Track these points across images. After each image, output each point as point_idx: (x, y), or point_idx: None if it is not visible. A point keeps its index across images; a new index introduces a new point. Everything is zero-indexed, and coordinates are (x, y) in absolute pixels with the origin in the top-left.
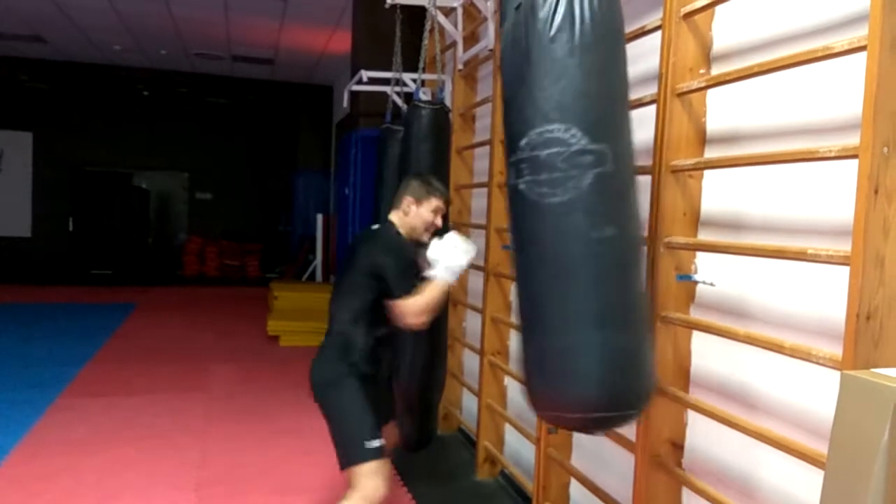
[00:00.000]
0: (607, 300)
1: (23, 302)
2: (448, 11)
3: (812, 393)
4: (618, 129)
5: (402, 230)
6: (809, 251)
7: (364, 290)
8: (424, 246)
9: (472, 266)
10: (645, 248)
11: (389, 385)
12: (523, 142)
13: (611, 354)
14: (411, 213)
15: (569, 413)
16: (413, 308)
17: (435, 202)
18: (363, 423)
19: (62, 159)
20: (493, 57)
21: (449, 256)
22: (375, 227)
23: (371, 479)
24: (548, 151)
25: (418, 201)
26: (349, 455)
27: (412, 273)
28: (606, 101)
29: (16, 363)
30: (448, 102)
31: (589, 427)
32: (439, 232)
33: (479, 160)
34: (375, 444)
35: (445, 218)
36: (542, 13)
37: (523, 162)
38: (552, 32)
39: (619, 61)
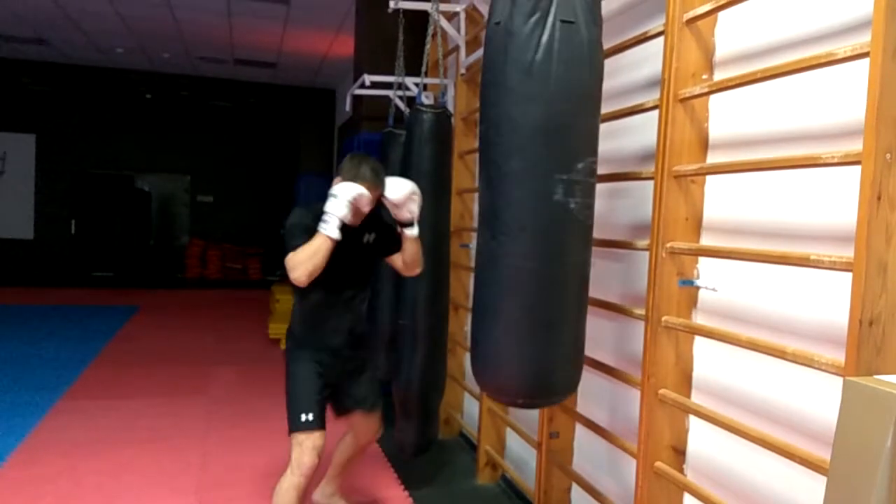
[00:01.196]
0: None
1: (24, 304)
2: (451, 16)
3: (814, 399)
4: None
5: (306, 209)
6: (812, 257)
7: None
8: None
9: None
10: (647, 254)
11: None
12: (580, 165)
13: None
14: None
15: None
16: (290, 261)
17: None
18: (300, 395)
19: (64, 162)
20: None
21: (332, 204)
22: None
23: (301, 448)
24: (593, 180)
25: (343, 181)
26: (288, 424)
27: (309, 235)
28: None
29: (17, 365)
30: (450, 107)
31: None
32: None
33: None
34: (305, 416)
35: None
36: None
37: (577, 184)
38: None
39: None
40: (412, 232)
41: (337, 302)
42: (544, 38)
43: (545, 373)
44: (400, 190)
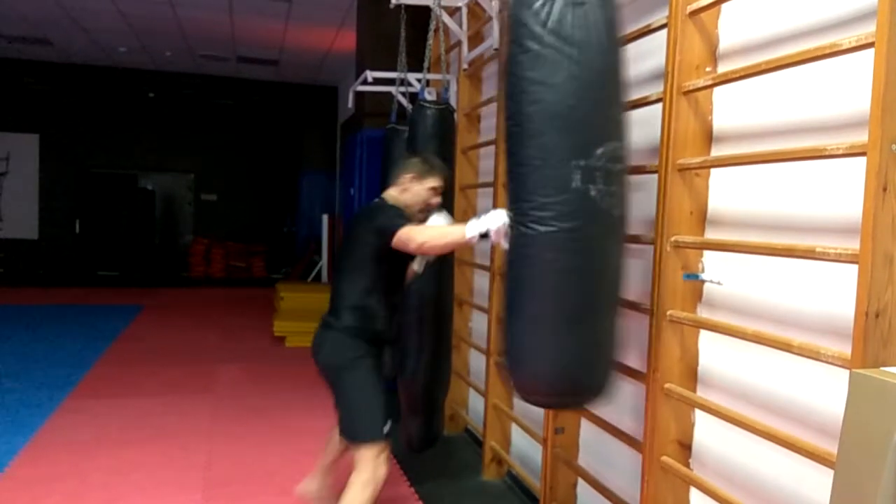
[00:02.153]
0: (618, 305)
1: (30, 303)
2: (453, 11)
3: (821, 392)
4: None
5: (396, 205)
6: (818, 249)
7: (374, 259)
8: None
9: (478, 266)
10: (651, 247)
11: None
12: (600, 150)
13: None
14: (410, 190)
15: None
16: (414, 231)
17: (435, 180)
18: (379, 405)
19: (68, 161)
20: (498, 56)
21: (488, 220)
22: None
23: (378, 460)
24: (619, 167)
25: (419, 178)
26: (363, 433)
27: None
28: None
29: (23, 365)
30: (453, 102)
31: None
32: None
33: (484, 160)
34: (386, 427)
35: (443, 197)
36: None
37: (598, 170)
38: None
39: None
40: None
41: (396, 302)
42: (552, 18)
43: (571, 371)
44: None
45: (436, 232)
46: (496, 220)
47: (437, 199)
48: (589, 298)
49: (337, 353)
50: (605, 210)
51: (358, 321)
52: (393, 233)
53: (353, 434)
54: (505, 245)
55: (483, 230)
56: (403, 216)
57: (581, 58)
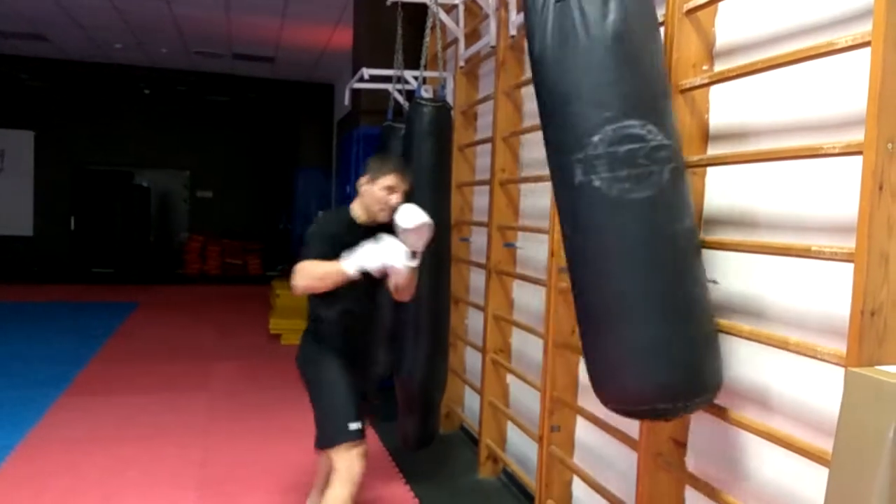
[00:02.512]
0: (687, 292)
1: (24, 301)
2: (449, 8)
3: (817, 390)
4: (674, 124)
5: (359, 213)
6: (813, 248)
7: None
8: (384, 229)
9: (474, 264)
10: None
11: (369, 363)
12: (596, 138)
13: (693, 343)
14: (364, 192)
15: (661, 403)
16: (298, 270)
17: (388, 179)
18: (340, 405)
19: (63, 158)
20: (494, 54)
21: (366, 253)
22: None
23: (350, 458)
24: (627, 147)
25: (371, 180)
26: (330, 436)
27: (329, 245)
28: (665, 97)
29: (18, 362)
30: (450, 100)
31: (674, 412)
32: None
33: (480, 157)
34: (354, 425)
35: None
36: (602, 11)
37: (597, 158)
38: (617, 28)
39: (660, 55)
40: (412, 263)
41: (362, 312)
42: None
43: (607, 375)
44: (415, 218)
45: (311, 271)
46: (384, 256)
47: (395, 198)
48: (614, 299)
49: (301, 356)
50: (616, 197)
51: (313, 327)
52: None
53: (322, 441)
54: (399, 272)
55: (367, 267)
56: (318, 241)
57: (558, 54)
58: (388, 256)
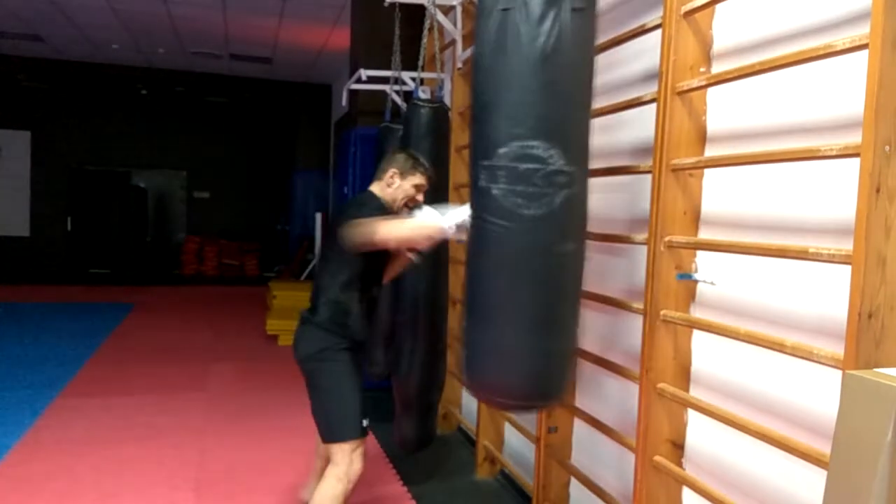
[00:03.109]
0: (552, 309)
1: (21, 301)
2: (447, 10)
3: (814, 392)
4: (586, 153)
5: (380, 199)
6: (811, 250)
7: (355, 251)
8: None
9: None
10: (645, 248)
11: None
12: (502, 150)
13: (546, 356)
14: (394, 186)
15: (500, 398)
16: (378, 225)
17: (419, 177)
18: (355, 400)
19: (60, 158)
20: None
21: (453, 213)
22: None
23: (354, 456)
24: (526, 166)
25: (402, 174)
26: (339, 432)
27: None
28: (583, 126)
29: (14, 363)
30: (447, 101)
31: (514, 410)
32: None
33: None
34: (364, 423)
35: (438, 196)
36: (539, 29)
37: (500, 169)
38: (547, 50)
39: (591, 86)
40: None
41: (375, 296)
42: (484, 26)
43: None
44: (462, 216)
45: (399, 226)
46: (461, 213)
47: (420, 197)
48: (488, 296)
49: (310, 348)
50: (508, 209)
51: (332, 316)
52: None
53: (329, 434)
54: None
55: (454, 226)
56: (376, 208)
57: (490, 62)
58: (462, 216)
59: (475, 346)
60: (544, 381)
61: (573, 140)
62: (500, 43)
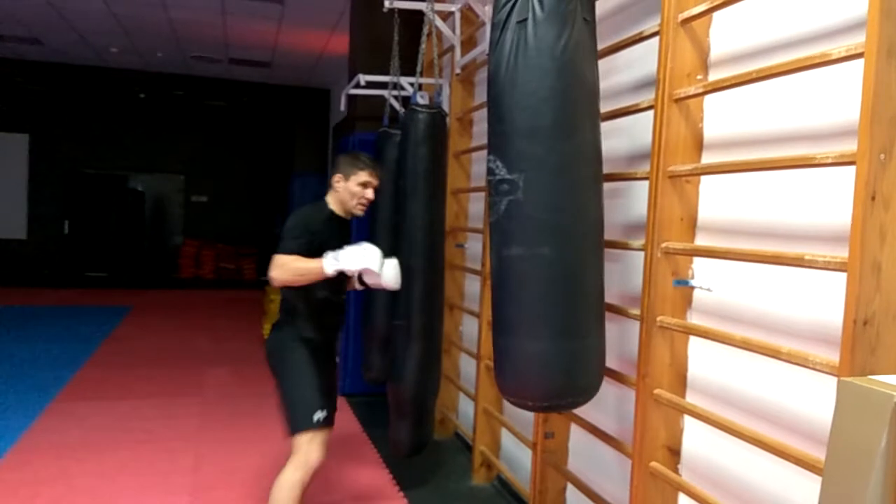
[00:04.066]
0: (504, 309)
1: (17, 304)
2: (446, 16)
3: (809, 399)
4: (530, 161)
5: (334, 207)
6: (807, 257)
7: None
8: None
9: (469, 270)
10: (642, 254)
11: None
12: (490, 163)
13: (546, 357)
14: (340, 189)
15: (527, 401)
16: (278, 263)
17: (362, 176)
18: (309, 392)
19: (58, 161)
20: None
21: (347, 256)
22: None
23: (310, 446)
24: (488, 178)
25: (346, 176)
26: (294, 422)
27: (307, 240)
28: (528, 136)
29: (9, 366)
30: (446, 106)
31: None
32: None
33: (476, 164)
34: (319, 414)
35: (377, 193)
36: (505, 48)
37: (489, 181)
38: (501, 67)
39: (546, 95)
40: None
41: (336, 301)
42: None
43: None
44: (392, 279)
45: (292, 266)
46: (361, 261)
47: (369, 194)
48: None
49: (269, 344)
50: (486, 218)
51: (284, 314)
52: (276, 253)
53: (289, 427)
54: (374, 275)
55: (345, 269)
56: (299, 235)
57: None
58: (366, 261)
59: (498, 352)
60: (523, 380)
61: (518, 151)
62: (496, 60)
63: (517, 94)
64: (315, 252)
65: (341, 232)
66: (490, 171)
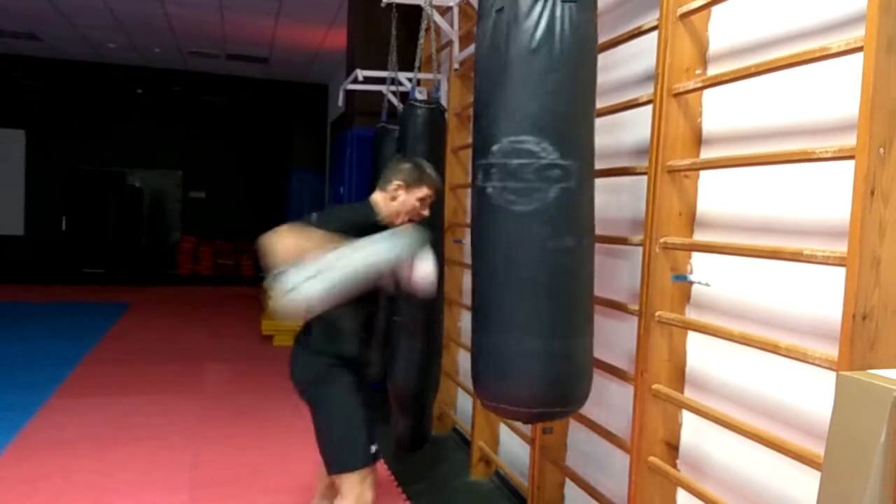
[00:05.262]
0: (557, 309)
1: (15, 301)
2: (444, 10)
3: (808, 394)
4: (584, 145)
5: (381, 212)
6: (805, 252)
7: None
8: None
9: (468, 266)
10: (640, 249)
11: (376, 385)
12: (495, 147)
13: (554, 360)
14: (398, 199)
15: (512, 407)
16: (279, 231)
17: (426, 190)
18: (358, 424)
19: (55, 157)
20: None
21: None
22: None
23: (363, 486)
24: (518, 161)
25: (408, 187)
26: (341, 461)
27: (341, 230)
28: (577, 118)
29: (7, 363)
30: (444, 102)
31: (528, 420)
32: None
33: None
34: (373, 448)
35: (432, 209)
36: (526, 24)
37: (493, 167)
38: (534, 45)
39: (592, 79)
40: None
41: (369, 314)
42: (486, 26)
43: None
44: (428, 274)
45: (293, 240)
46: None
47: (425, 212)
48: (492, 300)
49: (306, 373)
50: (502, 206)
51: (324, 336)
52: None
53: (333, 464)
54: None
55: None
56: (334, 221)
57: (485, 62)
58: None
59: (480, 353)
60: (550, 387)
61: (569, 134)
62: (494, 42)
63: (584, 72)
64: None
65: None
66: (519, 153)
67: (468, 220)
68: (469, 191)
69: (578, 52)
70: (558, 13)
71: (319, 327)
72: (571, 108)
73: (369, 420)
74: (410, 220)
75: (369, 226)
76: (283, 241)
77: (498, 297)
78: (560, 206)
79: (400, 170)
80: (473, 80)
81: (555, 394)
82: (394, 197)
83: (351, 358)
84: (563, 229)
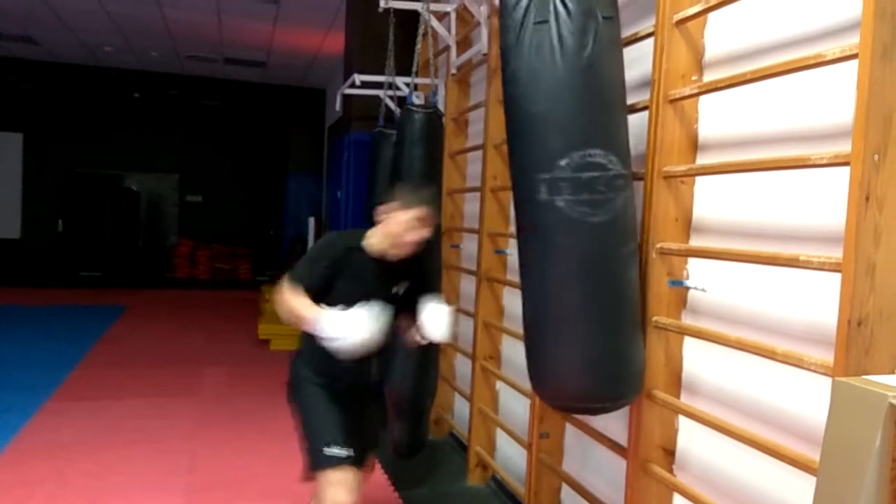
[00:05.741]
0: (628, 306)
1: (10, 304)
2: (441, 16)
3: (803, 399)
4: (629, 154)
5: (376, 240)
6: (801, 258)
7: (326, 291)
8: (392, 265)
9: (465, 270)
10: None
11: (376, 402)
12: (563, 162)
13: (625, 355)
14: (392, 221)
15: (596, 404)
16: (282, 296)
17: (419, 211)
18: (321, 428)
19: (52, 161)
20: (486, 61)
21: (342, 324)
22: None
23: (329, 487)
24: (590, 174)
25: (401, 208)
26: (308, 461)
27: (320, 268)
28: (624, 129)
29: (3, 366)
30: (441, 107)
31: (594, 412)
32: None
33: (471, 164)
34: (333, 451)
35: (437, 231)
36: (581, 39)
37: (563, 181)
38: (592, 61)
39: (625, 92)
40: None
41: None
42: (524, 32)
43: (558, 375)
44: (442, 331)
45: (290, 304)
46: (346, 338)
47: (425, 233)
48: (563, 305)
49: (290, 377)
50: (576, 218)
51: (307, 349)
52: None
53: (306, 465)
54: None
55: (330, 336)
56: (314, 258)
57: (530, 76)
58: (342, 330)
59: (550, 357)
60: (623, 380)
61: (622, 143)
62: (540, 55)
63: (622, 85)
64: (330, 287)
65: (378, 273)
66: (590, 166)
67: (465, 224)
68: (466, 196)
69: (617, 66)
70: (602, 29)
71: (304, 340)
72: (622, 120)
73: (338, 424)
74: (412, 244)
75: (352, 251)
76: (282, 308)
77: (573, 302)
78: (626, 213)
79: (394, 189)
80: (505, 91)
81: (631, 384)
82: (389, 217)
83: (325, 370)
84: (629, 235)
